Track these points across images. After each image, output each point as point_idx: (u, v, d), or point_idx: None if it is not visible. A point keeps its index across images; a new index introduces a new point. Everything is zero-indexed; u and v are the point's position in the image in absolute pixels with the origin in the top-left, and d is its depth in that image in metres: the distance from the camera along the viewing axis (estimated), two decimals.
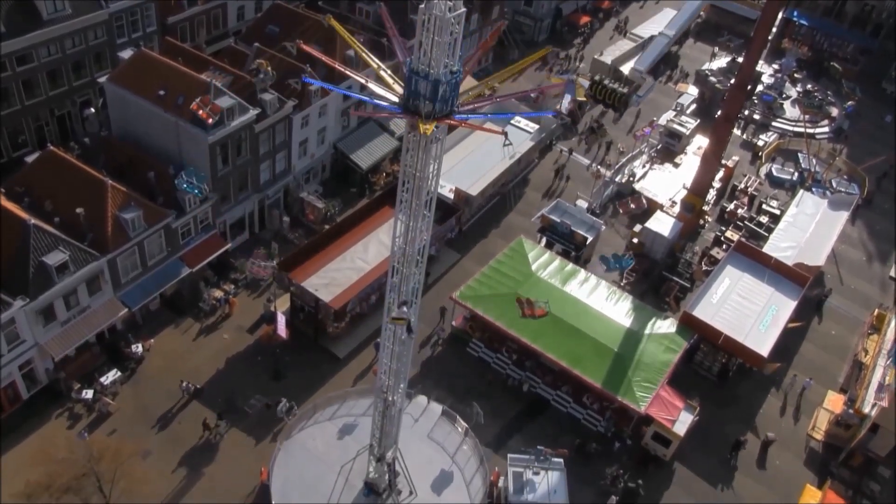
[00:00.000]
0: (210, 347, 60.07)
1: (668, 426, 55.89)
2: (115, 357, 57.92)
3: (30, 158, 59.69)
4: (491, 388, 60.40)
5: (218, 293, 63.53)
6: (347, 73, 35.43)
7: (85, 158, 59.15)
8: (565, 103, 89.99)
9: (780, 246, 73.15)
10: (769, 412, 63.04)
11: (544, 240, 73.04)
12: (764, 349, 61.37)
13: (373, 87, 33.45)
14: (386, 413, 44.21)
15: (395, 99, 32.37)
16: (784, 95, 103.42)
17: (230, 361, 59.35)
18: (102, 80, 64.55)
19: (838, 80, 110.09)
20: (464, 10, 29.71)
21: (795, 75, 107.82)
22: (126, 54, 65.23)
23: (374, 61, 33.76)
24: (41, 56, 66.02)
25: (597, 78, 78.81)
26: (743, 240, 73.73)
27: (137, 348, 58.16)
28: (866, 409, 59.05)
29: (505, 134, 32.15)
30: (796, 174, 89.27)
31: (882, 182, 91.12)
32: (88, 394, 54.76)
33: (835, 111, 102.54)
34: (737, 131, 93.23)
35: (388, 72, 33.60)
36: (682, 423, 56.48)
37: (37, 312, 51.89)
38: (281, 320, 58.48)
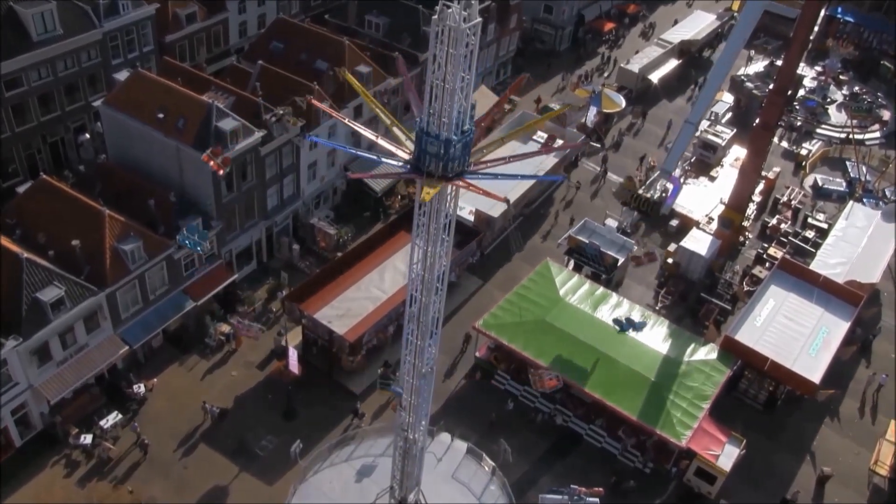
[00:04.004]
0: (217, 386, 60.33)
1: (712, 461, 55.48)
2: (115, 398, 58.09)
3: (21, 188, 60.24)
4: (519, 422, 60.19)
5: (225, 328, 63.69)
6: (356, 128, 36.07)
7: (80, 187, 59.83)
8: (591, 116, 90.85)
9: (828, 262, 72.68)
10: (824, 444, 62.22)
11: (572, 263, 72.99)
12: (815, 375, 60.69)
13: (382, 143, 34.32)
14: (407, 452, 44.29)
15: (405, 156, 33.24)
16: (828, 99, 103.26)
17: (239, 400, 59.55)
18: (97, 103, 65.34)
19: (890, 80, 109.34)
20: (479, 20, 29.98)
21: (841, 77, 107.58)
22: (122, 76, 66.00)
23: (387, 117, 34.44)
24: (31, 80, 66.98)
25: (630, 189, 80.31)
26: (787, 257, 73.48)
27: (139, 388, 58.35)
28: None
29: (507, 201, 32.62)
30: (845, 184, 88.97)
31: None
32: (87, 439, 54.77)
33: (886, 114, 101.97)
34: (777, 140, 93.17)
35: (402, 128, 34.40)
36: (728, 457, 56.00)
37: (31, 352, 52.03)
38: (293, 355, 58.26)
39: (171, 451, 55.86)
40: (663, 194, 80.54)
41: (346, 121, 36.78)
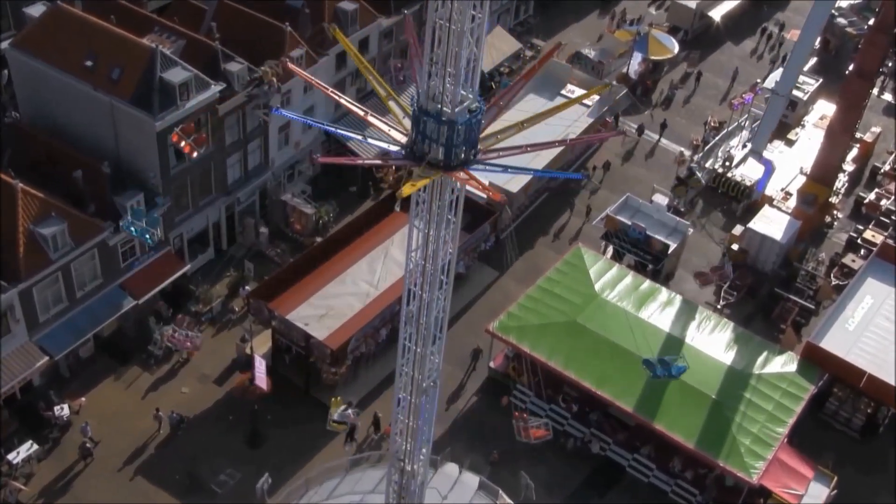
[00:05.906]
0: (164, 405, 59.94)
1: (794, 503, 55.39)
2: (30, 424, 57.86)
3: None
4: (545, 449, 59.25)
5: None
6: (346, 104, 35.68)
7: None
8: (634, 65, 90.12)
9: None
10: None
11: (611, 249, 73.34)
12: None
13: (374, 120, 34.27)
14: (403, 488, 44.47)
15: (401, 138, 33.34)
16: None
17: (192, 423, 59.59)
18: (3, 45, 64.96)
19: None
20: None
21: None
22: (36, 10, 65.13)
23: (383, 87, 34.43)
24: None
25: (720, 170, 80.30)
26: (890, 242, 72.76)
27: (62, 410, 58.07)
28: None
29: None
30: None
31: None
32: None
33: None
34: (877, 92, 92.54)
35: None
36: (814, 497, 56.24)
37: None
38: (260, 366, 58.60)
39: (103, 490, 55.36)
40: (726, 163, 79.62)
41: (329, 91, 36.07)
